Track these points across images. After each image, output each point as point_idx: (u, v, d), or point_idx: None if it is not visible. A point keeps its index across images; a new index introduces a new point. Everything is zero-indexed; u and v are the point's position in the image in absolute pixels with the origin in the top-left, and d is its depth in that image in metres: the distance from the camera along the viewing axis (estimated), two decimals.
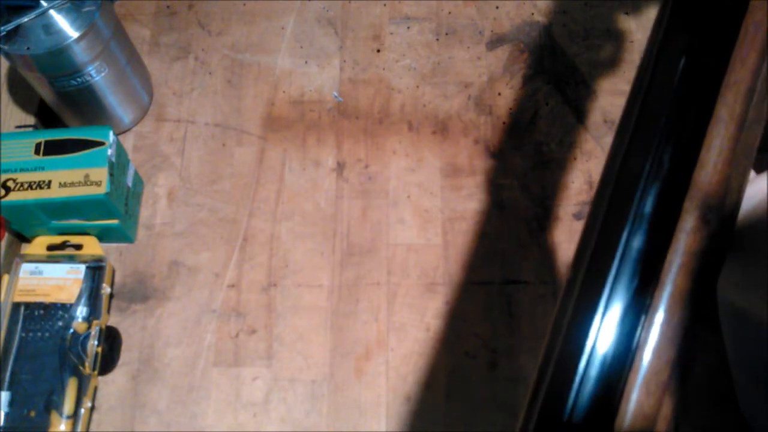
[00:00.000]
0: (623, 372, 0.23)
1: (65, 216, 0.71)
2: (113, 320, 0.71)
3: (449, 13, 0.87)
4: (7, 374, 0.66)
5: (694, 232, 0.24)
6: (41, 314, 0.68)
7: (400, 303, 0.72)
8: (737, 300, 0.28)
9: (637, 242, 0.24)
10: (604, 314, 0.24)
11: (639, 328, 0.23)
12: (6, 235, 0.73)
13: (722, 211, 0.25)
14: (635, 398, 0.23)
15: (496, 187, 0.77)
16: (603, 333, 0.23)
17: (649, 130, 0.25)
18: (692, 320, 0.23)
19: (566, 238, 0.74)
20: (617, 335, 0.23)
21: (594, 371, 0.23)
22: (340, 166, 0.78)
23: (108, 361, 0.69)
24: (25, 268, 0.70)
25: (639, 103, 0.27)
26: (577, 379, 0.23)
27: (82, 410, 0.65)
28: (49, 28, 0.66)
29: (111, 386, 0.69)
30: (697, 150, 0.25)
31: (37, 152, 0.69)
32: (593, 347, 0.23)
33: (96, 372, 0.67)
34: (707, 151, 0.25)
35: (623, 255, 0.24)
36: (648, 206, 0.24)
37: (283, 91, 0.83)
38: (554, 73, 0.83)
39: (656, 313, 0.23)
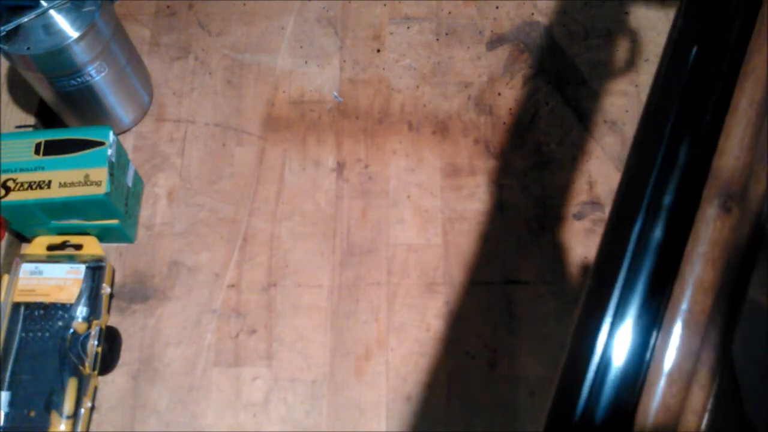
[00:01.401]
0: (643, 360, 0.23)
1: (65, 216, 0.71)
2: (113, 320, 0.71)
3: (449, 13, 0.87)
4: (7, 374, 0.66)
5: (715, 220, 0.24)
6: (41, 314, 0.68)
7: (400, 303, 0.72)
8: (757, 297, 0.28)
9: (654, 232, 0.24)
10: (618, 306, 0.24)
11: (658, 318, 0.23)
12: (6, 235, 0.73)
13: (745, 199, 0.24)
14: (656, 390, 0.23)
15: (496, 187, 0.77)
16: (619, 325, 0.23)
17: (665, 119, 0.25)
18: (722, 312, 0.23)
19: (566, 238, 0.74)
20: (635, 325, 0.23)
21: (611, 358, 0.23)
22: (340, 166, 0.79)
23: (108, 361, 0.69)
24: (25, 268, 0.70)
25: (657, 92, 0.26)
26: (592, 370, 0.23)
27: (82, 410, 0.65)
28: (49, 28, 0.66)
29: (111, 386, 0.69)
30: (715, 138, 0.25)
31: (37, 152, 0.69)
32: (608, 340, 0.23)
33: (96, 372, 0.67)
34: (726, 138, 0.25)
35: (639, 245, 0.24)
36: (666, 195, 0.24)
37: (283, 91, 0.83)
38: (554, 73, 0.83)
39: (678, 303, 0.23)
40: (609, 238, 0.25)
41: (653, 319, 0.23)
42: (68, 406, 0.65)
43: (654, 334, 0.23)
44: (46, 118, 0.80)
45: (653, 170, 0.25)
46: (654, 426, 0.22)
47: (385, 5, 0.88)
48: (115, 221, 0.71)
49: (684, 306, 0.23)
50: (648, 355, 0.23)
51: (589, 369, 0.23)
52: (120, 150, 0.71)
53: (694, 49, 0.26)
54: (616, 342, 0.23)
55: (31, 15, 0.66)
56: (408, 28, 0.87)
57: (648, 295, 0.23)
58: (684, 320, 0.23)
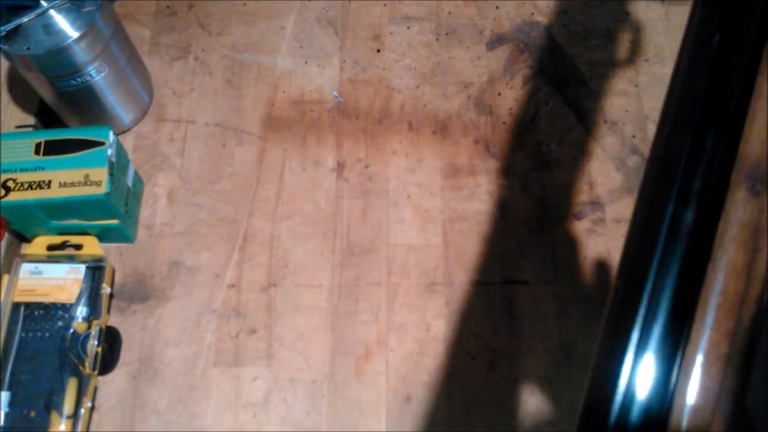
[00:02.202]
0: (681, 340, 0.23)
1: (65, 216, 0.71)
2: (113, 320, 0.71)
3: (449, 13, 0.87)
4: (7, 374, 0.66)
5: (744, 203, 0.24)
6: (41, 314, 0.68)
7: (400, 303, 0.72)
8: None
9: (685, 216, 0.24)
10: (653, 293, 0.24)
11: (694, 302, 0.23)
12: (6, 235, 0.73)
13: None
14: (695, 365, 0.23)
15: (496, 187, 0.77)
16: (653, 314, 0.23)
17: (691, 108, 0.26)
18: (754, 293, 0.23)
19: (566, 238, 0.74)
20: (669, 313, 0.23)
21: (646, 351, 0.23)
22: (340, 166, 0.78)
23: (108, 361, 0.69)
24: (25, 268, 0.70)
25: (680, 82, 0.27)
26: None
27: (82, 410, 0.65)
28: (49, 28, 0.66)
29: (111, 386, 0.69)
30: (741, 123, 0.25)
31: (37, 152, 0.69)
32: (642, 334, 0.23)
33: (96, 372, 0.67)
34: (751, 123, 0.25)
35: (670, 231, 0.24)
36: (695, 181, 0.25)
37: (283, 91, 0.83)
38: (554, 73, 0.83)
39: (711, 285, 0.23)
40: (640, 226, 0.25)
41: (689, 302, 0.23)
42: (68, 406, 0.65)
43: (688, 321, 0.23)
44: (46, 118, 0.80)
45: (682, 158, 0.25)
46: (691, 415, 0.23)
47: (385, 5, 0.88)
48: (115, 221, 0.71)
49: (718, 288, 0.23)
50: (684, 340, 0.23)
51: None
52: (120, 150, 0.71)
53: (717, 36, 0.26)
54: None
55: (31, 15, 0.66)
56: (408, 28, 0.87)
57: (682, 278, 0.24)
58: (719, 302, 0.23)
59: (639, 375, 0.23)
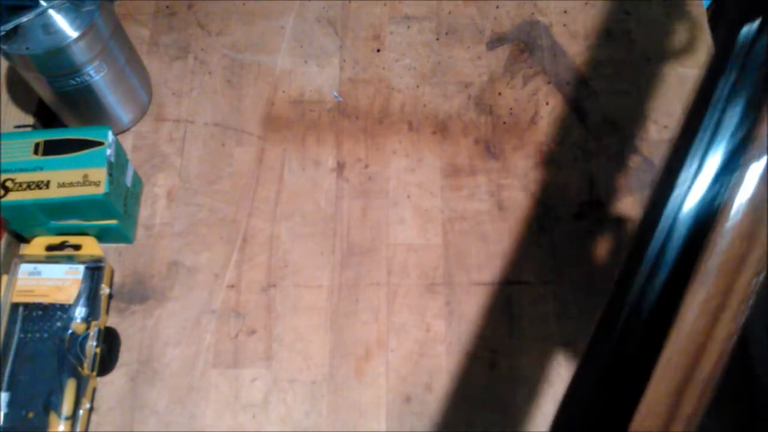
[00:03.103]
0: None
1: (64, 216, 0.71)
2: (112, 321, 0.71)
3: (449, 12, 0.87)
4: (6, 375, 0.66)
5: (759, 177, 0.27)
6: (40, 315, 0.68)
7: (400, 303, 0.71)
8: None
9: (698, 178, 0.27)
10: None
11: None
12: (5, 235, 0.73)
13: None
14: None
15: (496, 187, 0.77)
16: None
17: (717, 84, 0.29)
18: (755, 256, 0.25)
19: (566, 238, 0.74)
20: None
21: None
22: (340, 166, 0.78)
23: (107, 362, 0.69)
24: (24, 268, 0.70)
25: (701, 90, 0.30)
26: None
27: (81, 411, 0.65)
28: (49, 27, 0.66)
29: (110, 387, 0.68)
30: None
31: (36, 152, 0.69)
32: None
33: (95, 373, 0.67)
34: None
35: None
36: (711, 151, 0.28)
37: (283, 91, 0.83)
38: (554, 73, 0.83)
39: (713, 249, 0.25)
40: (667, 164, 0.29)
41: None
42: (67, 407, 0.65)
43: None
44: (45, 117, 0.80)
45: (706, 130, 0.28)
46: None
47: (385, 5, 0.88)
48: (114, 221, 0.71)
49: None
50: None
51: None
52: (119, 150, 0.71)
53: (754, 24, 0.29)
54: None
55: (31, 15, 0.66)
56: (408, 27, 0.87)
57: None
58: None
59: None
